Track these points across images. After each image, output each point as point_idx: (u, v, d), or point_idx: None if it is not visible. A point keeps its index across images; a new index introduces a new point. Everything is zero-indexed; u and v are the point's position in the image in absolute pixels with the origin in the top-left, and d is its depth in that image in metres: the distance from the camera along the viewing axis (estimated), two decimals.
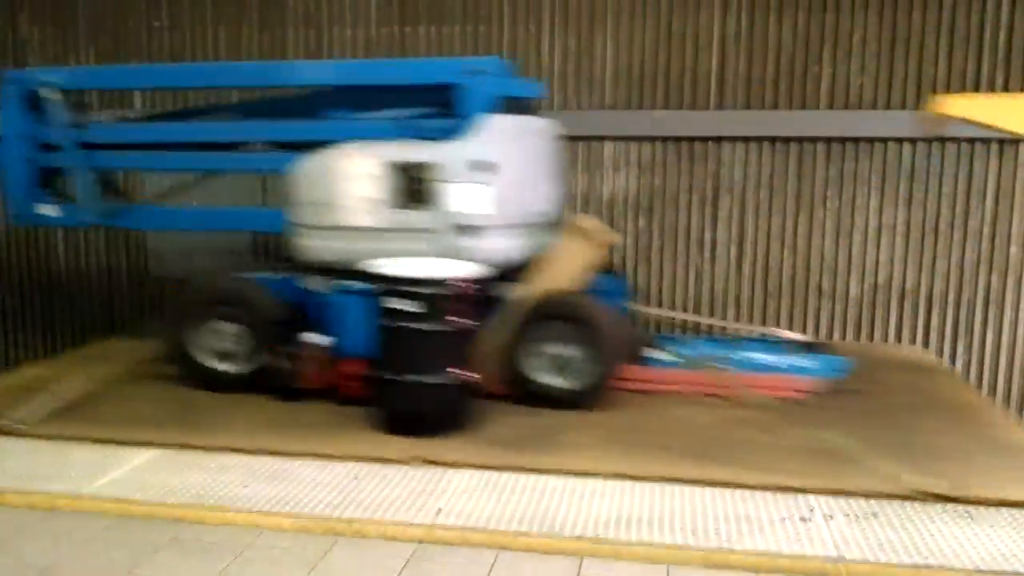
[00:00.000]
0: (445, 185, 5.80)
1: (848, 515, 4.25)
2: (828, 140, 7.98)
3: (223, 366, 6.29)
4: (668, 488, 4.57)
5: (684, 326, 8.05)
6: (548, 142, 6.47)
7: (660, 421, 5.69)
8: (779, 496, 4.46)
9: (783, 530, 4.10)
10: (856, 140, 7.92)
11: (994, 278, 7.93)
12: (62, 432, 5.35)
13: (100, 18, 9.11)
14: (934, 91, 7.67)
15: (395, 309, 5.28)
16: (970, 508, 4.31)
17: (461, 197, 5.79)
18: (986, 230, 7.86)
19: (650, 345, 6.52)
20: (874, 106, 7.84)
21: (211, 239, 8.58)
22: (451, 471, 4.80)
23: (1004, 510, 4.30)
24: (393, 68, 6.94)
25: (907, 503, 4.37)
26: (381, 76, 6.51)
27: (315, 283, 6.18)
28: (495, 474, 4.76)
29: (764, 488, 4.54)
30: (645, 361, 6.35)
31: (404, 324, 5.28)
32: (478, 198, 5.78)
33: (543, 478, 4.70)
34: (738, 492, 4.52)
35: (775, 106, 7.96)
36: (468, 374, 5.42)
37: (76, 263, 9.64)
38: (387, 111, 6.30)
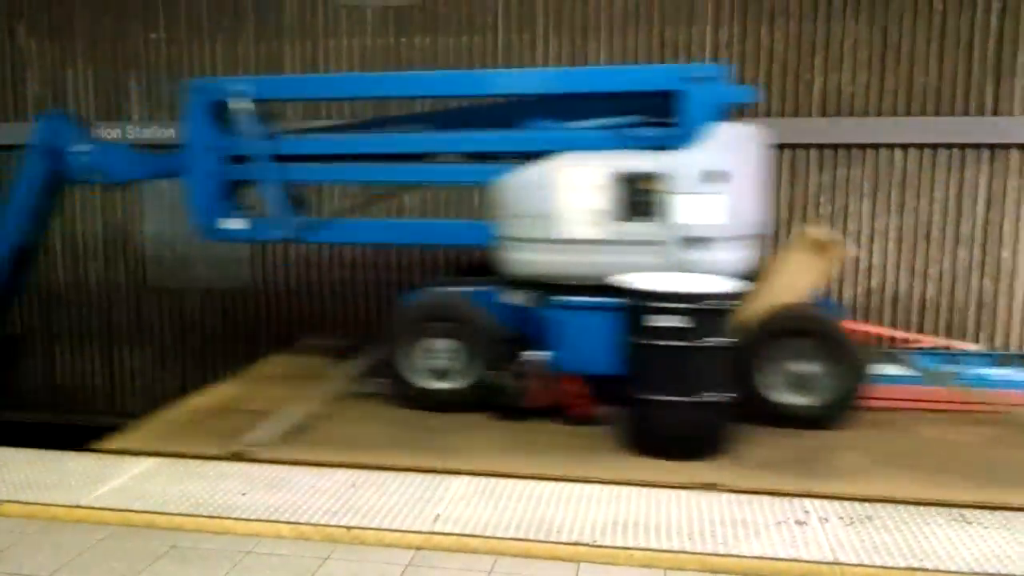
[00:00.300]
0: (675, 195, 5.60)
1: (843, 518, 4.28)
2: (820, 147, 8.04)
3: (440, 384, 6.03)
4: (663, 492, 4.59)
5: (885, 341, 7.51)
6: (764, 149, 6.09)
7: (919, 441, 5.44)
8: (775, 500, 4.49)
9: (779, 534, 4.12)
10: (848, 147, 7.99)
11: (986, 283, 7.98)
12: (301, 457, 5.10)
13: (97, 30, 9.16)
14: (924, 97, 7.76)
15: (657, 326, 4.98)
16: (964, 511, 4.35)
17: (692, 208, 5.58)
18: (977, 235, 7.93)
19: (880, 360, 6.18)
20: (866, 113, 7.91)
21: (210, 250, 8.57)
22: (449, 477, 4.81)
23: (998, 512, 4.34)
24: (610, 75, 6.61)
25: (901, 506, 4.40)
26: (597, 84, 6.23)
27: (526, 297, 5.95)
28: (492, 480, 4.77)
29: (760, 492, 4.57)
30: (878, 377, 5.93)
31: (667, 341, 4.98)
32: (710, 208, 5.57)
33: (539, 484, 4.72)
34: (734, 496, 4.54)
35: (767, 113, 8.02)
36: (727, 393, 5.14)
37: (75, 272, 9.66)
38: (592, 120, 6.06)
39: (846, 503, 4.44)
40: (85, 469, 4.99)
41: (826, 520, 4.26)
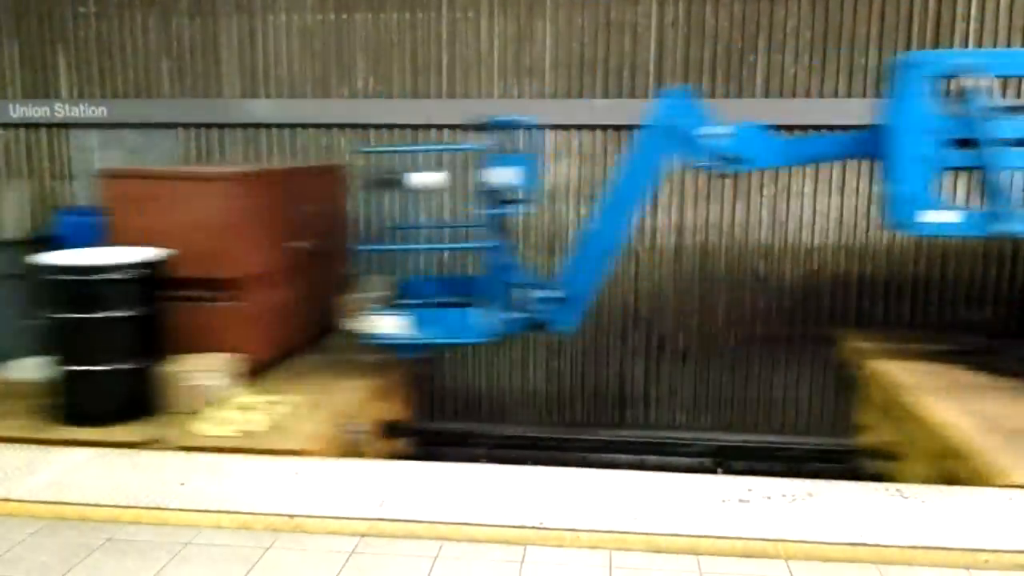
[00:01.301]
0: None
1: (786, 495, 4.33)
2: (764, 128, 8.09)
3: None
4: (609, 473, 4.60)
5: None
6: None
7: None
8: (718, 478, 4.54)
9: (723, 512, 4.16)
10: (791, 127, 8.03)
11: (922, 265, 8.14)
12: None
13: (24, 3, 8.77)
14: (865, 79, 7.86)
15: None
16: (902, 487, 4.44)
17: None
18: None
19: None
20: (808, 94, 7.99)
21: None
22: (394, 462, 4.75)
23: (935, 487, 4.43)
24: None
25: (843, 483, 4.48)
26: None
27: None
28: (437, 465, 4.74)
29: (703, 471, 4.61)
30: None
31: None
32: None
33: (485, 467, 4.69)
34: (678, 475, 4.58)
35: (712, 94, 8.05)
36: None
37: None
38: None
39: (789, 480, 4.49)
40: (13, 461, 4.80)
41: (769, 497, 4.30)
